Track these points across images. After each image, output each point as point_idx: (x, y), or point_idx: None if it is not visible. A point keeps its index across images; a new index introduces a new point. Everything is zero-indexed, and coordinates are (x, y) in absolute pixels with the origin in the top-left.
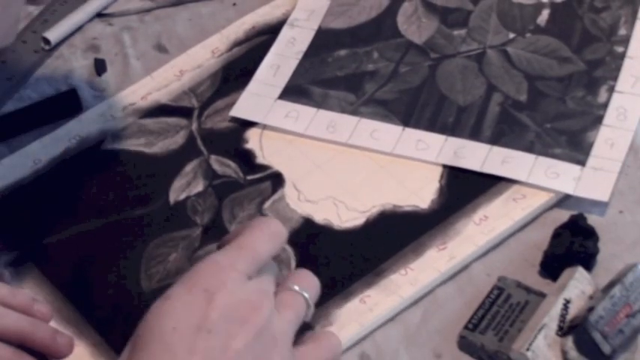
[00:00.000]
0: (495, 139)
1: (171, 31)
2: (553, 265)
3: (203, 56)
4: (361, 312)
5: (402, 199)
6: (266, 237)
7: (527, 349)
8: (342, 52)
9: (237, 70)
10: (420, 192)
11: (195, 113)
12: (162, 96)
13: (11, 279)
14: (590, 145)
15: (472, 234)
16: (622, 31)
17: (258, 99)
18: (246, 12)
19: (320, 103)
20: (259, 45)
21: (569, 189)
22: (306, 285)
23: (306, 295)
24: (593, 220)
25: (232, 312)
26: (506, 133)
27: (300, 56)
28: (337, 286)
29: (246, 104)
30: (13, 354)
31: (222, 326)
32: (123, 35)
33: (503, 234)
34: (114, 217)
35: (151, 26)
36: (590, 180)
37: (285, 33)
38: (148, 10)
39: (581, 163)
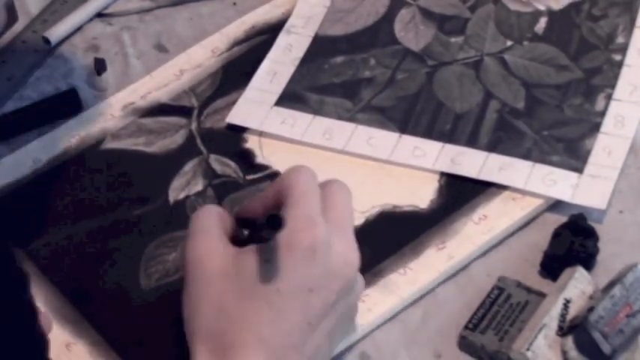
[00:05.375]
0: (492, 147)
1: (171, 31)
2: (553, 265)
3: (203, 56)
4: (360, 312)
5: (401, 199)
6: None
7: (528, 349)
8: (339, 59)
9: (237, 70)
10: (419, 192)
11: (195, 112)
12: (162, 95)
13: None
14: (588, 153)
15: (471, 233)
16: (620, 40)
17: (254, 105)
18: (246, 12)
19: (316, 110)
20: (259, 44)
21: (566, 196)
22: None
23: None
24: (593, 220)
25: (330, 267)
26: (503, 140)
27: (296, 63)
28: None
29: (242, 111)
30: None
31: (323, 283)
32: (123, 35)
33: (502, 233)
34: (113, 217)
35: (151, 26)
36: (587, 187)
37: (281, 39)
38: (148, 10)
39: (579, 170)
